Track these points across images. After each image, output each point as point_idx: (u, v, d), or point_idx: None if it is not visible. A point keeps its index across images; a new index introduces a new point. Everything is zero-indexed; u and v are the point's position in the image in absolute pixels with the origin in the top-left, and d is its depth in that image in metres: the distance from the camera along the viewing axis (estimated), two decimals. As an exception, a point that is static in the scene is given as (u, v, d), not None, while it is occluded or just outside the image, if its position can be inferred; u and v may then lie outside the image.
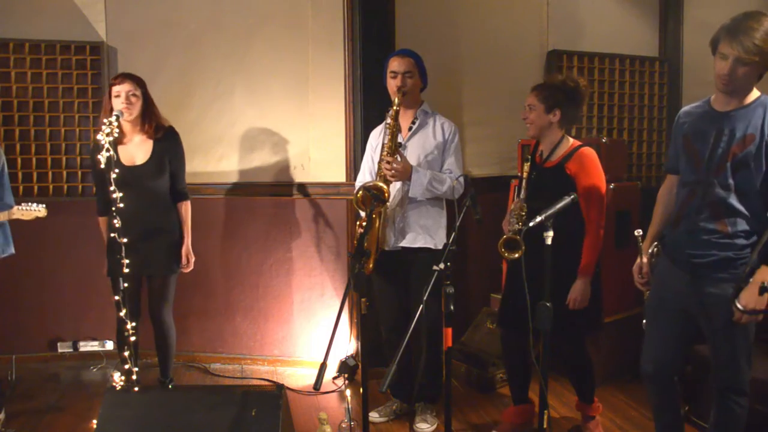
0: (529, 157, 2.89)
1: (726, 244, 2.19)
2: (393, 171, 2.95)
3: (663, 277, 2.39)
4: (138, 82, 3.10)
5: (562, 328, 2.82)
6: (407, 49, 3.22)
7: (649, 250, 2.44)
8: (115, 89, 3.05)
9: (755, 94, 2.18)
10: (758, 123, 2.12)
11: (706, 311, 2.24)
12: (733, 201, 2.16)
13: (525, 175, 2.81)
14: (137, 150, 3.14)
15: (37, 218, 2.94)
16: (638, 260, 2.46)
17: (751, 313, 2.07)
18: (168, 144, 3.19)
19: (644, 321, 2.50)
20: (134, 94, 3.06)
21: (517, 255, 2.68)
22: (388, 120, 3.03)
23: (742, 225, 2.17)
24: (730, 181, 2.16)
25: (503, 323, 3.03)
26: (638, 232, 2.48)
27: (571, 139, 2.89)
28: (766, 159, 2.12)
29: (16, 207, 2.92)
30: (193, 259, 3.29)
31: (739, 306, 2.06)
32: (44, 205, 2.95)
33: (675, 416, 2.48)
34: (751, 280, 2.07)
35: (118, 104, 3.04)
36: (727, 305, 2.14)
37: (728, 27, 2.09)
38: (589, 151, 2.82)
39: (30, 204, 2.92)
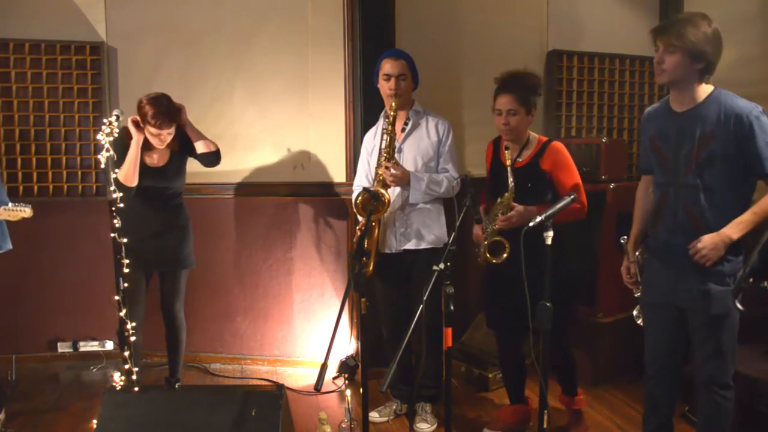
0: (507, 149, 2.78)
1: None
2: (392, 177, 2.95)
3: (651, 276, 2.45)
4: (175, 119, 3.06)
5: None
6: (399, 49, 3.21)
7: (637, 253, 2.49)
8: (153, 130, 3.01)
9: (707, 89, 2.22)
10: (714, 118, 2.17)
11: (691, 306, 2.29)
12: (704, 200, 2.21)
13: (509, 167, 2.74)
14: (159, 154, 3.17)
15: (24, 219, 2.94)
16: (625, 261, 2.51)
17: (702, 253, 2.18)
18: (186, 147, 3.22)
19: (639, 320, 2.55)
20: (169, 133, 3.07)
21: (505, 255, 2.71)
22: (384, 125, 3.03)
23: (715, 222, 2.21)
24: (698, 180, 2.21)
25: (491, 324, 3.07)
26: (624, 239, 2.52)
27: (535, 134, 2.88)
28: (729, 152, 2.16)
29: (2, 207, 2.92)
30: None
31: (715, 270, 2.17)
32: (30, 206, 2.94)
33: (664, 421, 2.49)
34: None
35: (155, 142, 3.06)
36: (709, 301, 2.22)
37: (660, 24, 2.25)
38: (560, 145, 2.83)
39: (16, 204, 2.92)
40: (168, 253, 3.21)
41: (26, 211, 2.93)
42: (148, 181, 3.11)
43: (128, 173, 2.99)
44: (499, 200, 2.79)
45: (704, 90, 2.22)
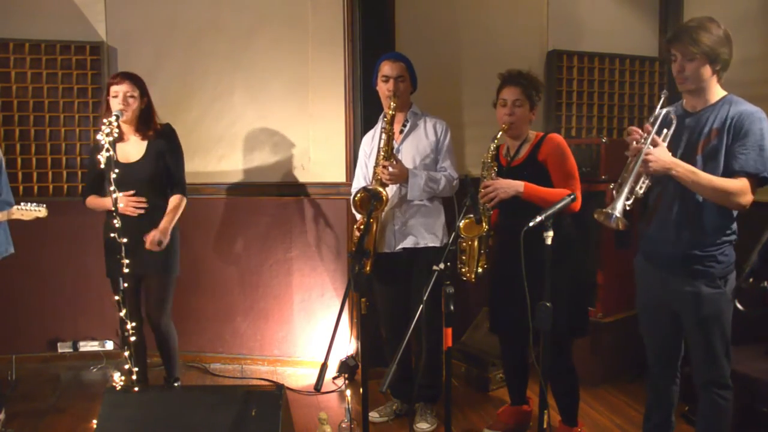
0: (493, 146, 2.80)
1: (694, 241, 2.24)
2: (389, 175, 2.95)
3: (643, 276, 2.46)
4: (136, 82, 3.08)
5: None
6: (398, 52, 3.22)
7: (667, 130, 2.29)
8: (113, 89, 3.04)
9: (721, 93, 2.26)
10: (723, 116, 2.20)
11: (682, 308, 2.31)
12: (699, 196, 2.21)
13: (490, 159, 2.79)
14: (132, 148, 3.13)
15: (37, 218, 2.92)
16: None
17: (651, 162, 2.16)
18: (162, 141, 3.15)
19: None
20: (132, 96, 3.04)
21: (479, 233, 2.69)
22: (383, 124, 3.03)
23: (709, 219, 2.22)
24: None
25: (495, 330, 3.04)
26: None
27: (533, 132, 2.87)
28: (731, 150, 2.16)
29: (15, 207, 2.88)
30: (158, 240, 3.03)
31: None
32: (44, 206, 2.91)
33: (665, 417, 2.51)
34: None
35: (115, 104, 3.03)
36: (699, 302, 2.23)
37: (672, 32, 2.24)
38: (557, 136, 2.81)
39: (30, 204, 2.89)
40: (147, 255, 3.06)
41: (41, 211, 2.88)
42: (124, 179, 2.97)
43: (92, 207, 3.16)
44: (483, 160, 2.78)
45: (718, 92, 2.25)
